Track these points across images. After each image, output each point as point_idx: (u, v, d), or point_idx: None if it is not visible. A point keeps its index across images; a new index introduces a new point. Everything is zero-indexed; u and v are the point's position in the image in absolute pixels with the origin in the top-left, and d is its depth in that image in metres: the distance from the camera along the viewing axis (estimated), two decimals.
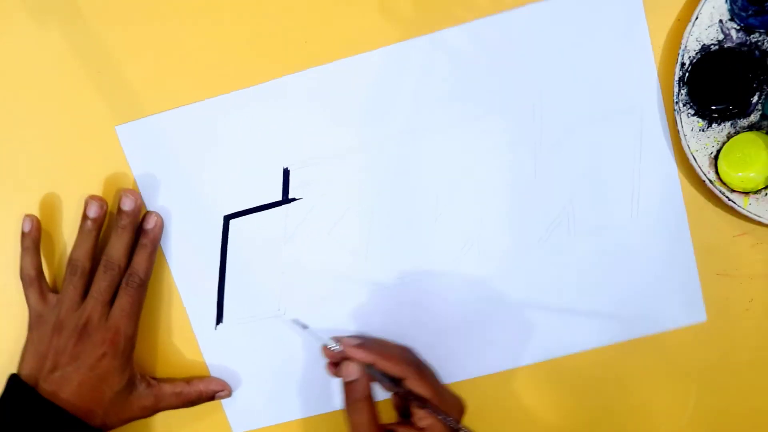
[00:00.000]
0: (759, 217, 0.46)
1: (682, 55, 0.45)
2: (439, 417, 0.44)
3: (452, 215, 0.49)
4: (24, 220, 0.49)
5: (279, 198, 0.49)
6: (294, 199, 0.49)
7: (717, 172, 0.46)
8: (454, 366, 0.50)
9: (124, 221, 0.48)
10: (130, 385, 0.48)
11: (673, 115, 0.47)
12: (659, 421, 0.51)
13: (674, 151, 0.48)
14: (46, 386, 0.46)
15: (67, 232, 0.51)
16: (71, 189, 0.50)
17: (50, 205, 0.50)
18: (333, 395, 0.52)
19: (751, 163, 0.46)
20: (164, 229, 0.50)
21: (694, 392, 0.50)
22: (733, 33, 0.45)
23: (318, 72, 0.48)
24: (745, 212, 0.46)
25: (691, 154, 0.46)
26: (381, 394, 0.49)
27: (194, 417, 0.52)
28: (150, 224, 0.49)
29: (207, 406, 0.51)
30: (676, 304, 0.49)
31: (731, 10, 0.44)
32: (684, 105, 0.46)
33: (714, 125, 0.46)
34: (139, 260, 0.48)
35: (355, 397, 0.45)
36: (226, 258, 0.50)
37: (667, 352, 0.50)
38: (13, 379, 0.47)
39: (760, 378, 0.50)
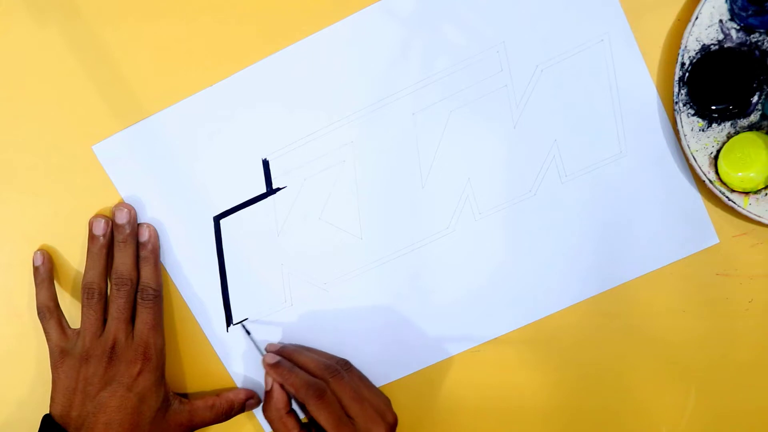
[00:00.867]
0: (759, 217, 0.46)
1: (682, 55, 0.45)
2: None
3: (438, 181, 0.49)
4: (35, 254, 0.49)
5: (263, 190, 0.50)
6: (278, 189, 0.49)
7: (717, 172, 0.46)
8: (462, 336, 0.50)
9: (123, 235, 0.48)
10: (166, 402, 0.48)
11: (673, 115, 0.47)
12: (659, 421, 0.51)
13: (674, 151, 0.48)
14: (80, 422, 0.45)
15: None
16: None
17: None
18: None
19: (751, 163, 0.46)
20: (159, 239, 0.50)
21: (694, 392, 0.50)
22: (733, 33, 0.45)
23: (277, 58, 0.48)
24: (745, 212, 0.46)
25: (691, 154, 0.46)
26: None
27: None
28: (144, 236, 0.49)
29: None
30: (685, 231, 0.48)
31: (731, 10, 0.44)
32: (684, 105, 0.46)
33: (714, 125, 0.46)
34: (146, 272, 0.48)
35: (269, 406, 0.48)
36: (223, 259, 0.50)
37: (667, 352, 0.50)
38: (46, 421, 0.46)
39: (760, 378, 0.50)
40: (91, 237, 0.48)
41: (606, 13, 0.47)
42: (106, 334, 0.47)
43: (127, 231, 0.48)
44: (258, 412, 0.52)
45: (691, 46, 0.45)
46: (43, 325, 0.48)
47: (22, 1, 0.48)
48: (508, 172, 0.49)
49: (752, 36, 0.45)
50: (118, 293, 0.48)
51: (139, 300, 0.48)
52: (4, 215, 0.50)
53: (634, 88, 0.47)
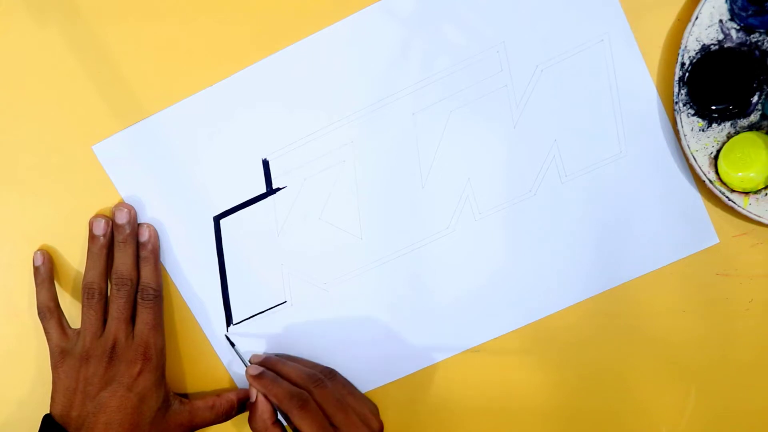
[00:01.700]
0: (759, 217, 0.46)
1: (682, 55, 0.45)
2: None
3: (438, 181, 0.49)
4: (35, 254, 0.49)
5: (263, 190, 0.50)
6: (278, 189, 0.49)
7: (717, 172, 0.46)
8: (462, 336, 0.50)
9: (123, 235, 0.48)
10: (166, 403, 0.48)
11: (673, 115, 0.47)
12: (659, 421, 0.51)
13: (674, 151, 0.48)
14: (80, 422, 0.45)
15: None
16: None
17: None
18: (356, 381, 0.51)
19: (751, 163, 0.46)
20: (158, 240, 0.50)
21: (694, 392, 0.50)
22: (733, 33, 0.45)
23: (277, 58, 0.48)
24: (745, 212, 0.46)
25: (691, 154, 0.46)
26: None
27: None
28: (144, 236, 0.49)
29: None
30: (685, 231, 0.48)
31: (731, 10, 0.44)
32: (684, 105, 0.46)
33: (714, 125, 0.46)
34: (147, 273, 0.48)
35: (254, 417, 0.47)
36: (223, 259, 0.50)
37: (667, 352, 0.50)
38: (46, 421, 0.46)
39: (760, 378, 0.50)
40: (92, 237, 0.48)
41: (606, 13, 0.47)
42: (106, 334, 0.47)
43: (127, 231, 0.48)
44: None
45: (691, 46, 0.45)
46: (43, 325, 0.48)
47: (22, 1, 0.48)
48: (508, 172, 0.49)
49: (752, 36, 0.45)
50: (118, 293, 0.48)
51: (139, 300, 0.48)
52: (4, 215, 0.50)
53: (634, 88, 0.47)
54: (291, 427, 0.46)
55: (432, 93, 0.48)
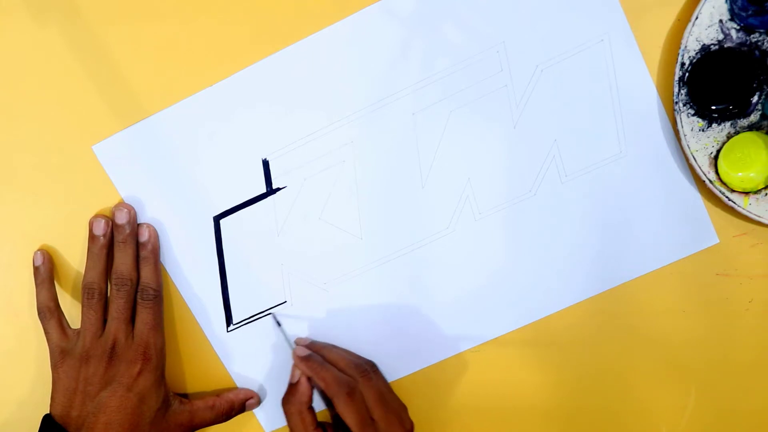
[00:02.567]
0: (759, 217, 0.46)
1: (682, 55, 0.45)
2: None
3: (438, 181, 0.49)
4: (35, 254, 0.49)
5: (263, 190, 0.50)
6: (278, 189, 0.49)
7: (717, 172, 0.46)
8: (462, 336, 0.50)
9: (123, 235, 0.48)
10: (166, 403, 0.48)
11: (673, 115, 0.47)
12: (659, 421, 0.51)
13: (674, 151, 0.48)
14: (80, 422, 0.45)
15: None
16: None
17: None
18: None
19: (751, 163, 0.46)
20: (158, 240, 0.50)
21: (694, 392, 0.51)
22: (733, 33, 0.45)
23: (277, 58, 0.48)
24: (745, 212, 0.46)
25: (691, 154, 0.46)
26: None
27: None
28: (144, 236, 0.49)
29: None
30: (685, 231, 0.48)
31: (731, 10, 0.44)
32: (684, 105, 0.46)
33: (714, 125, 0.46)
34: (146, 273, 0.48)
35: (291, 398, 0.48)
36: (223, 259, 0.50)
37: (667, 352, 0.50)
38: (46, 421, 0.46)
39: (760, 378, 0.50)
40: (92, 237, 0.48)
41: (606, 13, 0.47)
42: (106, 334, 0.47)
43: (127, 231, 0.48)
44: (259, 411, 0.52)
45: (691, 46, 0.45)
46: (43, 325, 0.48)
47: (22, 1, 0.48)
48: (508, 172, 0.49)
49: (752, 36, 0.45)
50: (118, 293, 0.48)
51: (139, 300, 0.48)
52: (4, 215, 0.50)
53: (634, 88, 0.47)
54: (331, 413, 0.46)
55: (432, 93, 0.48)
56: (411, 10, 0.47)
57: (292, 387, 0.48)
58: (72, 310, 0.50)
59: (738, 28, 0.45)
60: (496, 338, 0.50)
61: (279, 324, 0.50)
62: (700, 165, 0.46)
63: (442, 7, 0.47)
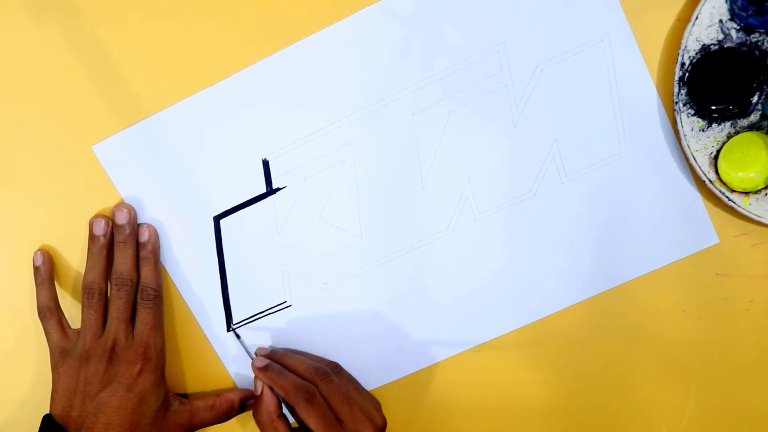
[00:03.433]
0: (759, 217, 0.46)
1: (682, 55, 0.45)
2: None
3: (438, 181, 0.49)
4: (35, 254, 0.49)
5: (263, 190, 0.50)
6: (278, 189, 0.49)
7: (717, 172, 0.46)
8: (462, 336, 0.50)
9: (123, 235, 0.48)
10: (166, 403, 0.48)
11: (673, 115, 0.47)
12: (659, 421, 0.51)
13: (674, 151, 0.48)
14: (80, 422, 0.45)
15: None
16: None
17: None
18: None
19: (751, 163, 0.46)
20: (158, 240, 0.50)
21: (694, 392, 0.51)
22: (733, 33, 0.45)
23: (277, 58, 0.48)
24: (745, 212, 0.46)
25: (691, 154, 0.46)
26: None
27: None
28: (144, 236, 0.49)
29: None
30: (685, 231, 0.48)
31: (731, 10, 0.44)
32: (684, 105, 0.46)
33: (714, 125, 0.46)
34: (146, 273, 0.48)
35: (259, 410, 0.48)
36: (223, 259, 0.50)
37: (667, 352, 0.50)
38: (46, 421, 0.46)
39: (760, 378, 0.50)
40: (92, 237, 0.48)
41: (606, 13, 0.47)
42: (106, 334, 0.47)
43: (127, 231, 0.48)
44: None
45: (691, 46, 0.45)
46: (43, 325, 0.48)
47: (22, 1, 0.48)
48: (508, 172, 0.49)
49: (752, 36, 0.45)
50: (118, 293, 0.48)
51: (139, 300, 0.48)
52: (4, 215, 0.50)
53: (634, 88, 0.47)
54: (296, 420, 0.46)
55: (432, 93, 0.48)
56: (411, 10, 0.47)
57: (258, 399, 0.48)
58: (72, 310, 0.50)
59: (738, 28, 0.45)
60: (495, 338, 0.50)
61: (238, 336, 0.51)
62: (700, 165, 0.46)
63: (442, 7, 0.47)
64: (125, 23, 0.48)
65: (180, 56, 0.49)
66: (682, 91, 0.46)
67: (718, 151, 0.46)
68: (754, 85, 0.46)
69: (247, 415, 0.52)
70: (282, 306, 0.51)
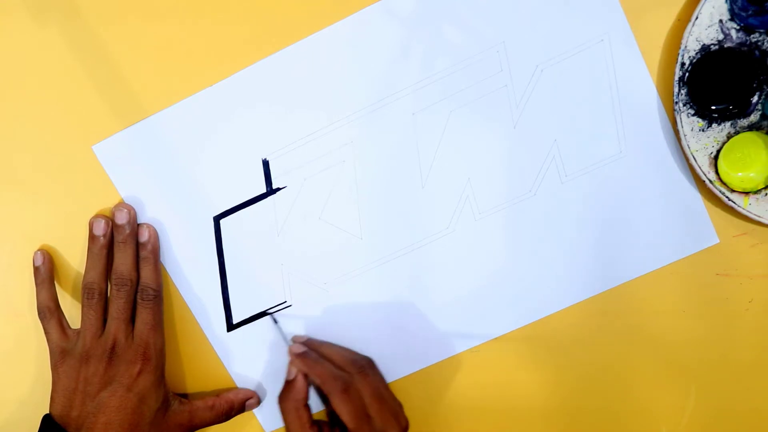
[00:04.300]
0: (759, 217, 0.46)
1: (682, 55, 0.45)
2: None
3: (438, 181, 0.49)
4: (35, 254, 0.49)
5: (263, 190, 0.50)
6: (278, 189, 0.49)
7: (717, 172, 0.46)
8: (462, 335, 0.50)
9: (123, 235, 0.48)
10: (165, 403, 0.48)
11: (673, 115, 0.47)
12: (659, 421, 0.51)
13: (674, 151, 0.48)
14: (80, 422, 0.45)
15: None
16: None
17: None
18: None
19: (751, 163, 0.46)
20: (158, 240, 0.50)
21: (694, 392, 0.51)
22: (733, 33, 0.45)
23: (277, 58, 0.48)
24: (745, 212, 0.46)
25: (691, 154, 0.46)
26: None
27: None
28: (144, 236, 0.49)
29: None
30: (685, 231, 0.48)
31: (731, 10, 0.44)
32: (684, 105, 0.46)
33: (714, 125, 0.46)
34: (146, 273, 0.48)
35: (287, 395, 0.47)
36: (223, 259, 0.50)
37: (667, 352, 0.50)
38: (46, 421, 0.46)
39: (760, 378, 0.50)
40: (92, 237, 0.48)
41: (606, 13, 0.47)
42: (106, 334, 0.47)
43: (127, 231, 0.48)
44: (259, 411, 0.52)
45: (691, 46, 0.45)
46: (43, 325, 0.48)
47: (22, 1, 0.48)
48: (508, 172, 0.49)
49: (752, 36, 0.45)
50: (118, 293, 0.48)
51: (139, 300, 0.48)
52: (4, 215, 0.50)
53: (634, 88, 0.47)
54: (327, 410, 0.45)
55: (432, 93, 0.48)
56: (411, 10, 0.47)
57: (288, 384, 0.48)
58: (72, 310, 0.51)
59: (738, 28, 0.45)
60: (495, 338, 0.50)
61: (276, 321, 0.50)
62: (700, 165, 0.46)
63: (442, 7, 0.47)
64: (125, 23, 0.48)
65: (180, 56, 0.49)
66: (682, 91, 0.46)
67: (718, 151, 0.46)
68: (754, 85, 0.46)
69: (246, 416, 0.52)
70: (282, 306, 0.51)
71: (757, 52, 0.45)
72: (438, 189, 0.49)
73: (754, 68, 0.45)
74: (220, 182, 0.50)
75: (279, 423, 0.52)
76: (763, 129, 0.46)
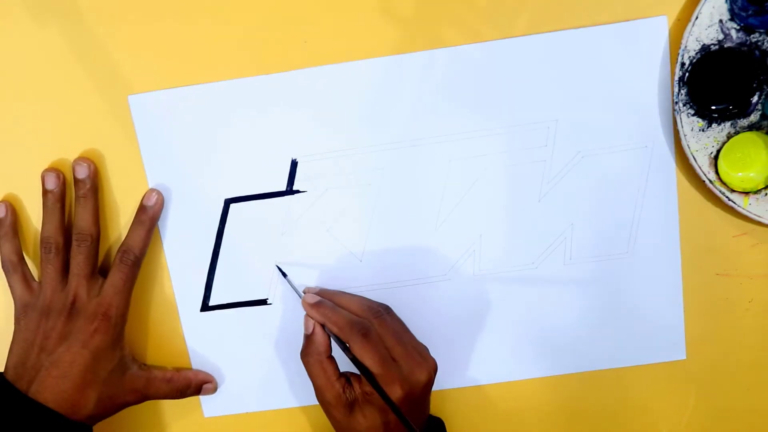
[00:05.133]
0: (759, 217, 0.46)
1: (682, 55, 0.45)
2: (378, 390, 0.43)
3: (453, 228, 0.49)
4: None
5: (283, 188, 0.49)
6: (298, 191, 0.49)
7: (717, 172, 0.46)
8: (451, 374, 0.51)
9: (83, 189, 0.48)
10: (123, 365, 0.47)
11: (674, 115, 0.47)
12: (659, 421, 0.51)
13: (674, 151, 0.48)
14: (33, 374, 0.45)
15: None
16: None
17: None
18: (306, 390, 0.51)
19: (751, 163, 0.46)
20: (161, 209, 0.49)
21: (694, 392, 0.51)
22: (733, 33, 0.45)
23: (333, 69, 0.48)
24: (745, 212, 0.46)
25: (691, 154, 0.46)
26: None
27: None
28: (150, 201, 0.48)
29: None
30: (658, 343, 0.50)
31: (731, 10, 0.44)
32: (684, 105, 0.46)
33: (714, 125, 0.46)
34: (135, 237, 0.48)
35: (309, 350, 0.46)
36: (221, 241, 0.50)
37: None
38: None
39: (760, 378, 0.50)
40: (44, 192, 0.48)
41: (657, 124, 0.47)
42: (67, 289, 0.47)
43: (88, 186, 0.48)
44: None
45: (691, 46, 0.45)
46: (7, 279, 0.48)
47: (22, 1, 0.48)
48: (518, 239, 0.49)
49: (752, 36, 0.45)
50: (78, 249, 0.47)
51: (116, 260, 0.47)
52: None
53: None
54: (349, 357, 0.44)
55: (474, 146, 0.48)
56: (481, 63, 0.47)
57: (308, 339, 0.46)
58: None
59: (738, 28, 0.45)
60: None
61: (285, 275, 0.50)
62: (700, 165, 0.46)
63: (511, 68, 0.47)
64: (125, 23, 0.48)
65: (180, 56, 0.48)
66: (682, 91, 0.46)
67: (718, 151, 0.46)
68: (754, 85, 0.46)
69: (246, 416, 0.52)
70: (262, 303, 0.50)
71: (757, 52, 0.45)
72: (449, 236, 0.49)
73: (754, 68, 0.45)
74: (243, 169, 0.49)
75: (219, 410, 0.52)
76: (763, 129, 0.46)
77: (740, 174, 0.46)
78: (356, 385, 0.45)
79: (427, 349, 0.47)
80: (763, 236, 0.48)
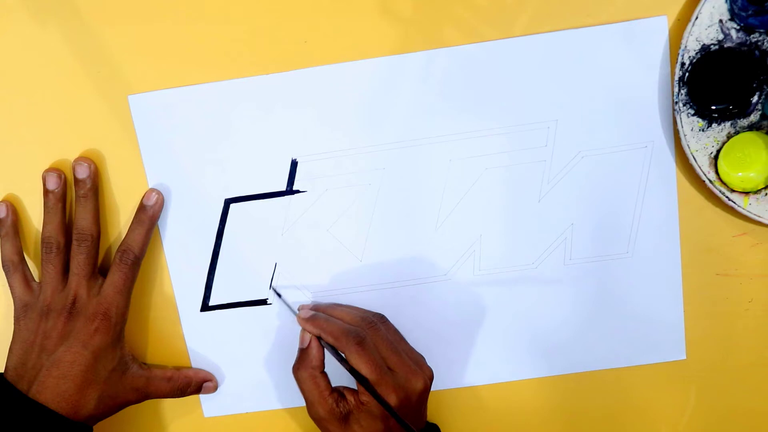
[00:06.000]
0: (759, 217, 0.46)
1: (682, 55, 0.45)
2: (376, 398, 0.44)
3: (452, 228, 0.49)
4: None
5: (283, 188, 0.49)
6: (297, 191, 0.49)
7: (717, 172, 0.46)
8: (445, 374, 0.51)
9: (84, 189, 0.48)
10: (123, 365, 0.47)
11: (673, 115, 0.47)
12: (659, 421, 0.51)
13: (674, 151, 0.48)
14: (33, 374, 0.45)
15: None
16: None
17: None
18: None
19: (751, 163, 0.46)
20: (163, 206, 0.49)
21: (694, 392, 0.51)
22: (733, 33, 0.45)
23: (332, 69, 0.48)
24: (745, 212, 0.46)
25: (691, 154, 0.46)
26: None
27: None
28: (150, 201, 0.48)
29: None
30: (658, 343, 0.50)
31: (731, 10, 0.44)
32: (684, 105, 0.46)
33: (714, 125, 0.46)
34: (135, 236, 0.48)
35: (302, 364, 0.46)
36: (221, 241, 0.50)
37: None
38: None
39: (760, 378, 0.50)
40: (45, 192, 0.48)
41: (656, 124, 0.47)
42: (67, 289, 0.47)
43: (88, 185, 0.48)
44: (204, 396, 0.52)
45: (691, 46, 0.45)
46: (7, 279, 0.48)
47: (22, 1, 0.48)
48: (518, 239, 0.49)
49: (752, 36, 0.45)
50: (78, 249, 0.47)
51: (116, 260, 0.48)
52: None
53: (658, 206, 0.48)
54: (346, 367, 0.44)
55: (474, 146, 0.48)
56: (481, 63, 0.47)
57: (303, 352, 0.47)
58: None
59: (738, 28, 0.45)
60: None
61: (279, 295, 0.50)
62: (700, 165, 0.46)
63: (511, 68, 0.47)
64: (125, 23, 0.48)
65: (180, 56, 0.48)
66: (682, 91, 0.46)
67: (718, 151, 0.46)
68: (754, 85, 0.46)
69: (248, 417, 0.52)
70: (262, 303, 0.51)
71: (757, 52, 0.45)
72: (449, 236, 0.49)
73: (754, 68, 0.45)
74: (243, 168, 0.49)
75: (219, 410, 0.52)
76: (763, 129, 0.46)
77: (740, 174, 0.46)
78: (350, 398, 0.45)
79: (424, 358, 0.47)
80: (763, 236, 0.48)
